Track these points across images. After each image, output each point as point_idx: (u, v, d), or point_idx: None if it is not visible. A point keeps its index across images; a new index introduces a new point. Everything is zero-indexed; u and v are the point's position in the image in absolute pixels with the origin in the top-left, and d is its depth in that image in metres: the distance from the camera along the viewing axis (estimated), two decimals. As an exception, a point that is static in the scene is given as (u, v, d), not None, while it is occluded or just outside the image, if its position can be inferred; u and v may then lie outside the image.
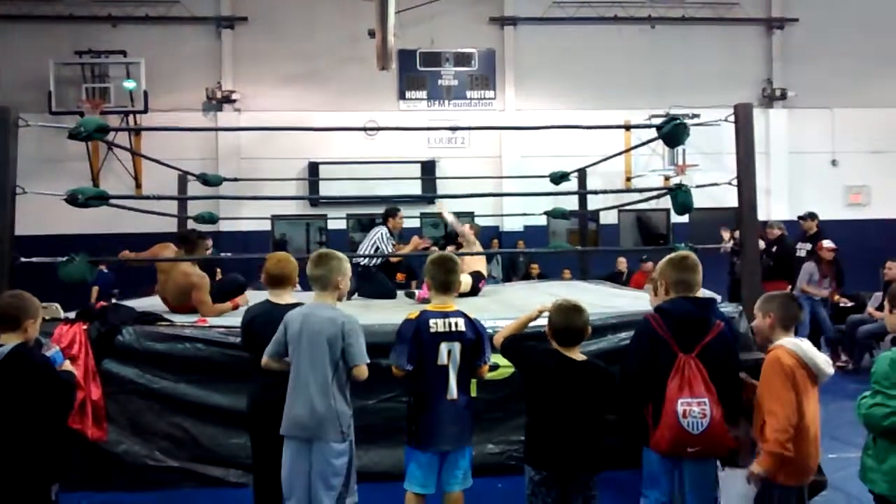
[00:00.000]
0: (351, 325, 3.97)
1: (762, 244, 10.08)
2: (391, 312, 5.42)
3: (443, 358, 3.97)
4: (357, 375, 3.96)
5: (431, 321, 3.99)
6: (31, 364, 3.71)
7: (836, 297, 10.06)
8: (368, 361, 3.93)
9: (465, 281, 7.74)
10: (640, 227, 16.60)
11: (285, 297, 4.32)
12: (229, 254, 10.62)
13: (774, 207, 15.19)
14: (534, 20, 16.11)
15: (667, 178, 14.86)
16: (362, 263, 7.94)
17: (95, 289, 11.82)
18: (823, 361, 3.70)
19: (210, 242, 7.17)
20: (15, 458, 3.62)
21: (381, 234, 8.37)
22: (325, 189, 14.87)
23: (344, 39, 15.49)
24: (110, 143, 9.95)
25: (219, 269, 12.27)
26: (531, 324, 4.23)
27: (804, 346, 3.68)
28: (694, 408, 3.59)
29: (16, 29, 15.03)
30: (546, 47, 16.07)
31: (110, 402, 5.09)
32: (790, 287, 10.32)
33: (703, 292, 4.06)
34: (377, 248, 8.21)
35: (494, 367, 4.64)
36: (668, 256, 4.07)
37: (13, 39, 14.95)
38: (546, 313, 4.02)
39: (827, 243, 10.15)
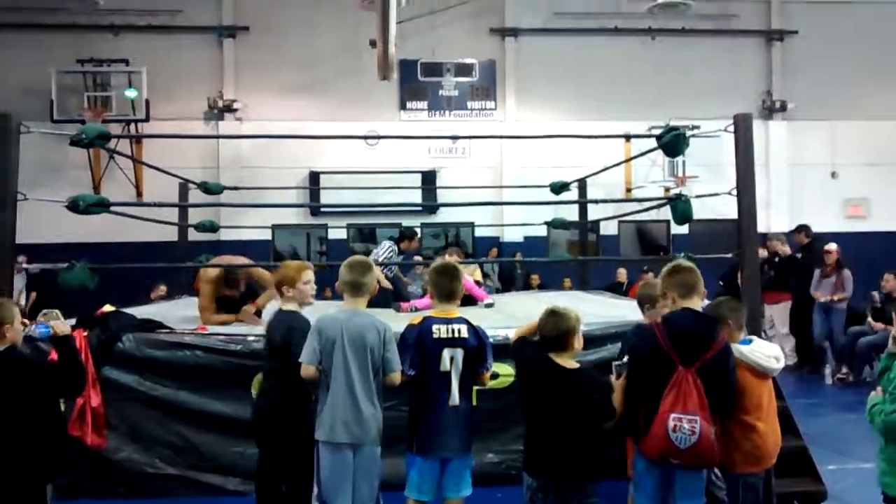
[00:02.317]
0: (391, 332, 4.08)
1: (764, 254, 10.13)
2: (392, 322, 5.42)
3: (445, 364, 3.99)
4: (392, 381, 4.04)
5: (434, 327, 4.02)
6: (15, 362, 3.75)
7: (833, 297, 10.04)
8: (402, 369, 4.00)
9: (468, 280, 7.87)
10: (640, 237, 16.61)
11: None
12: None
13: (775, 219, 15.20)
14: (534, 31, 16.17)
15: (667, 190, 14.87)
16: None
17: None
18: (765, 358, 4.03)
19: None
20: (10, 456, 3.64)
21: (392, 249, 8.58)
22: (326, 199, 14.89)
23: (345, 49, 15.53)
24: (112, 150, 10.00)
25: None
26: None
27: (743, 348, 4.01)
28: (684, 424, 3.62)
29: (18, 38, 15.06)
30: (547, 58, 16.12)
31: (110, 410, 5.10)
32: (792, 297, 10.35)
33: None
34: (375, 260, 8.32)
35: (495, 376, 4.65)
36: (664, 267, 4.09)
37: (15, 48, 14.98)
38: None
39: (829, 245, 10.20)
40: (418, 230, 13.04)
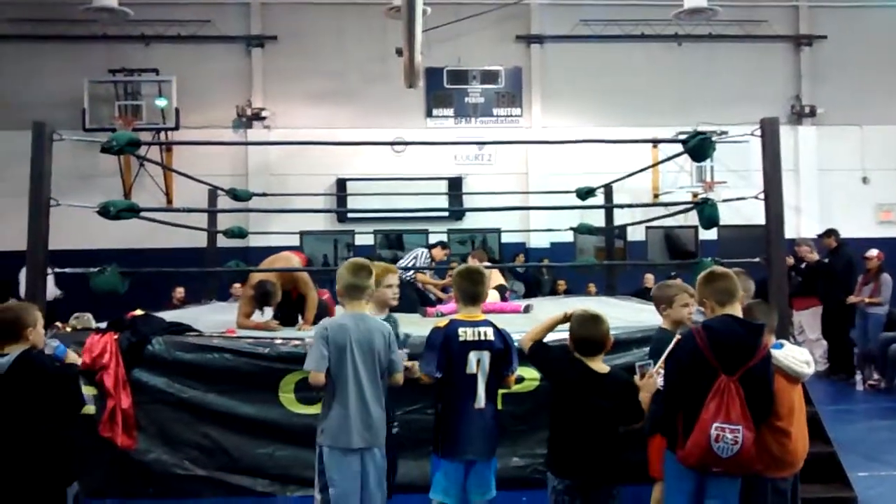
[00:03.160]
0: (393, 335, 4.10)
1: (792, 260, 10.03)
2: (417, 326, 5.45)
3: (472, 367, 4.00)
4: (396, 382, 4.08)
5: (461, 330, 4.03)
6: (37, 366, 3.83)
7: (864, 300, 9.93)
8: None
9: (492, 295, 7.85)
10: (667, 243, 16.51)
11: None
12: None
13: (804, 225, 15.03)
14: (560, 38, 16.17)
15: (694, 195, 14.77)
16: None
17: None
18: (797, 363, 4.01)
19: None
20: (29, 460, 3.70)
21: (423, 254, 8.67)
22: (353, 205, 14.98)
23: (372, 58, 15.65)
24: (142, 157, 10.15)
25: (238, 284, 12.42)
26: (550, 336, 4.24)
27: (776, 353, 3.95)
28: (727, 434, 3.56)
29: (52, 49, 15.36)
30: (572, 65, 16.11)
31: (140, 412, 5.15)
32: (822, 303, 10.23)
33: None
34: (414, 264, 8.44)
35: (520, 380, 4.66)
36: (700, 275, 4.00)
37: (49, 59, 15.28)
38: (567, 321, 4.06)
39: (870, 252, 10.10)
40: (444, 237, 13.13)
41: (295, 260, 6.99)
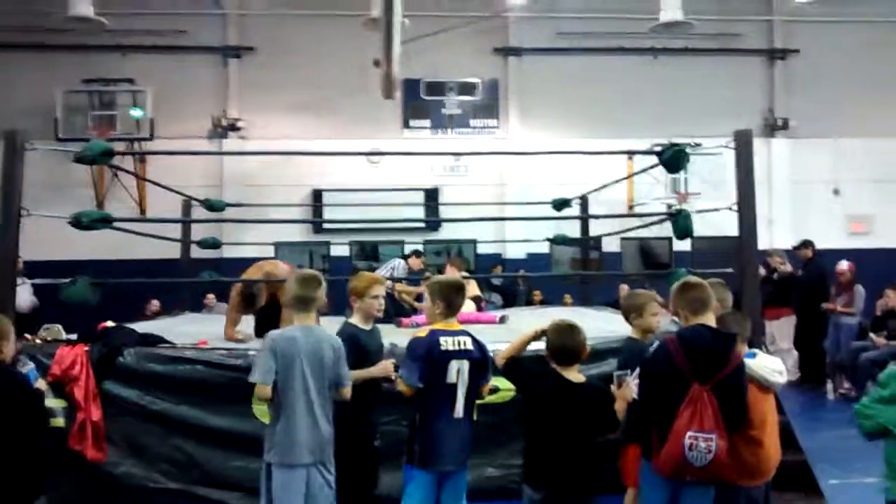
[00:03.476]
0: (342, 348, 4.04)
1: (763, 271, 10.13)
2: (392, 336, 5.43)
3: (452, 376, 3.99)
4: (344, 396, 4.02)
5: (442, 339, 4.03)
6: (7, 379, 3.77)
7: (836, 308, 10.10)
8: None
9: (468, 305, 7.85)
10: (642, 254, 16.61)
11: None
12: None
13: (777, 236, 15.18)
14: (537, 51, 16.26)
15: (669, 207, 14.88)
16: None
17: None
18: (770, 372, 4.07)
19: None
20: (4, 470, 3.65)
21: (400, 265, 8.66)
22: (329, 216, 14.93)
23: (349, 68, 15.60)
24: (116, 167, 10.06)
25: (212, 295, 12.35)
26: (530, 347, 4.25)
27: (749, 362, 3.99)
28: (701, 443, 3.59)
29: (26, 57, 15.20)
30: (549, 77, 16.20)
31: (111, 424, 5.11)
32: (795, 313, 10.35)
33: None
34: (391, 276, 8.42)
35: (495, 390, 4.65)
36: (674, 285, 4.05)
37: (23, 68, 15.12)
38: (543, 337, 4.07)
39: (840, 265, 10.26)
40: (420, 247, 13.13)
41: (282, 268, 6.96)
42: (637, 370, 3.95)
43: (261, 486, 3.94)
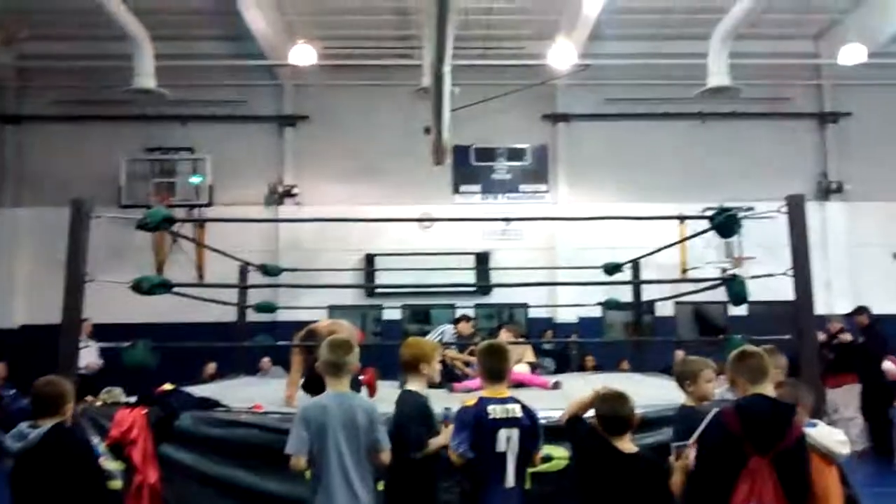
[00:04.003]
0: (377, 412, 4.04)
1: (823, 336, 9.91)
2: (445, 402, 5.43)
3: (501, 445, 3.97)
4: (381, 462, 3.99)
5: (490, 407, 4.02)
6: (70, 441, 3.86)
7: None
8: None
9: (523, 369, 7.85)
10: (697, 318, 16.35)
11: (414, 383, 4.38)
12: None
13: (836, 301, 14.83)
14: (586, 116, 16.42)
15: (723, 270, 14.68)
16: None
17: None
18: (835, 443, 3.96)
19: None
20: None
21: (449, 330, 8.67)
22: (381, 280, 15.08)
23: (400, 136, 15.96)
24: (175, 233, 10.36)
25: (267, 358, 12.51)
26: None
27: (812, 432, 3.89)
28: None
29: (92, 128, 15.88)
30: (598, 142, 16.31)
31: (167, 487, 5.16)
32: (860, 380, 10.06)
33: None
34: (441, 340, 8.44)
35: (548, 459, 4.62)
36: (731, 354, 3.96)
37: (90, 138, 15.78)
38: None
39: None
40: (471, 311, 13.13)
41: (345, 327, 6.99)
42: (692, 438, 3.85)
43: None
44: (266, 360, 12.56)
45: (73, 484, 3.75)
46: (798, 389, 4.10)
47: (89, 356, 11.16)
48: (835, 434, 4.02)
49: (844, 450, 3.98)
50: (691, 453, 3.86)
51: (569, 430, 4.08)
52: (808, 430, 3.89)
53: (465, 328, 9.00)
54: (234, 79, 16.06)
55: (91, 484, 3.89)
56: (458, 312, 11.78)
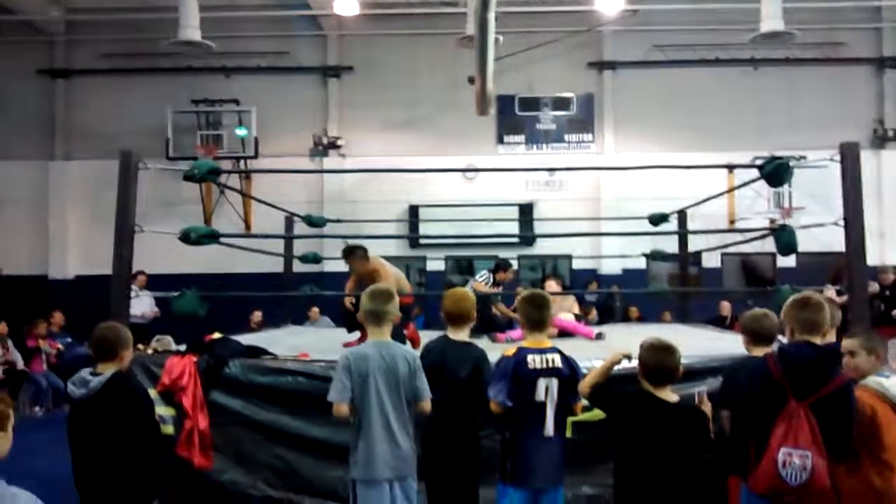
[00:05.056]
0: (419, 361, 4.05)
1: (876, 287, 9.69)
2: (490, 352, 5.47)
3: (540, 394, 3.98)
4: (422, 410, 4.03)
5: (529, 357, 4.03)
6: (129, 389, 3.97)
7: None
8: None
9: (568, 318, 7.94)
10: (744, 270, 16.13)
11: (461, 334, 4.39)
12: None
13: (889, 251, 14.50)
14: (633, 64, 16.09)
15: (772, 221, 14.42)
16: None
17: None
18: None
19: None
20: (117, 477, 3.84)
21: (485, 278, 8.65)
22: (425, 231, 15.11)
23: (444, 86, 15.85)
24: (222, 185, 10.48)
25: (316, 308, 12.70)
26: (621, 364, 4.21)
27: (886, 382, 3.77)
28: (795, 459, 3.42)
29: (139, 81, 16.07)
30: (645, 90, 15.99)
31: (216, 432, 5.30)
32: None
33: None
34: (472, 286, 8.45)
35: (589, 408, 4.62)
36: (790, 298, 3.88)
37: (136, 91, 15.97)
38: (626, 360, 4.04)
39: None
40: (515, 262, 13.09)
41: (387, 270, 7.24)
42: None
43: (350, 499, 4.02)
44: (315, 310, 12.77)
45: (130, 430, 3.87)
46: (874, 338, 3.99)
47: (142, 305, 11.50)
48: None
49: None
50: (704, 395, 4.02)
51: (593, 400, 4.02)
52: (882, 380, 3.80)
53: (503, 276, 8.95)
54: (279, 30, 16.06)
55: (147, 430, 4.01)
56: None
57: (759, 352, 4.15)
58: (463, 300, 4.43)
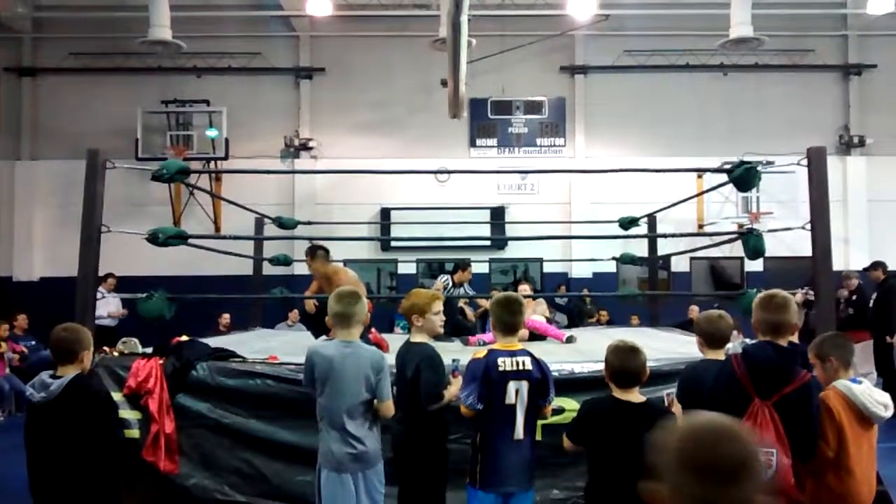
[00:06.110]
0: (384, 363, 4.09)
1: (845, 293, 9.84)
2: (460, 354, 5.46)
3: (510, 397, 3.97)
4: (384, 411, 4.06)
5: (500, 360, 4.01)
6: (91, 392, 3.90)
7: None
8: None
9: (541, 320, 7.92)
10: (713, 274, 16.28)
11: (417, 336, 4.41)
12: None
13: (854, 256, 14.71)
14: (604, 68, 16.18)
15: (740, 226, 14.59)
16: None
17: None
18: (875, 403, 3.81)
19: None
20: (78, 483, 3.76)
21: (444, 280, 8.67)
22: (396, 234, 15.09)
23: (417, 89, 15.84)
24: (192, 185, 10.37)
25: (296, 311, 12.62)
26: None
27: (855, 388, 3.82)
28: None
29: (108, 81, 15.86)
30: (617, 95, 16.10)
31: (182, 436, 5.24)
32: (872, 336, 10.00)
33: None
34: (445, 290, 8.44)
35: (560, 411, 4.63)
36: (758, 296, 3.91)
37: (105, 91, 15.78)
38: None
39: None
40: (486, 266, 13.09)
41: (348, 276, 7.15)
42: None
43: (315, 485, 4.13)
44: (294, 312, 12.68)
45: (91, 434, 3.79)
46: (825, 343, 4.02)
47: (109, 306, 11.37)
48: (877, 394, 3.90)
49: (882, 412, 3.83)
50: (674, 400, 4.01)
51: (574, 440, 4.00)
52: (853, 386, 3.84)
53: (461, 276, 8.97)
54: (250, 30, 15.97)
55: (109, 434, 3.94)
56: (475, 267, 11.84)
57: (713, 354, 4.17)
58: (416, 296, 4.48)
